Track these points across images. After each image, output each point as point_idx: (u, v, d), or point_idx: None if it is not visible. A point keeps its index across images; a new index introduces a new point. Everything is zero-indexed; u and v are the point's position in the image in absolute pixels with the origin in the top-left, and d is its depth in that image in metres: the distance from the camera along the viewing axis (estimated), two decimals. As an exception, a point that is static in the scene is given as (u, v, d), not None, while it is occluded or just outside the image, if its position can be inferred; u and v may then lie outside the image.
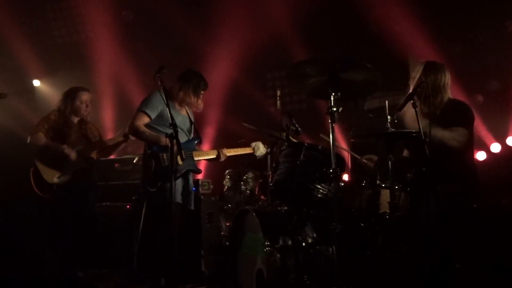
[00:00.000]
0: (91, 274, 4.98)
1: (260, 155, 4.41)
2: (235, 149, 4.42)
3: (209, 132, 7.13)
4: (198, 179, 5.19)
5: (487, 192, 4.83)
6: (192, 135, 4.31)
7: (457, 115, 3.54)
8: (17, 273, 4.72)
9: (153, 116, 4.02)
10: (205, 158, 4.32)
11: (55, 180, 4.59)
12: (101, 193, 5.38)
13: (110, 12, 7.23)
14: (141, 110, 4.03)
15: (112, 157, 6.87)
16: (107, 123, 7.41)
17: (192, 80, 4.18)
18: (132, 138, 4.60)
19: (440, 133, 3.43)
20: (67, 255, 4.61)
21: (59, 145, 4.61)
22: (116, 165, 6.18)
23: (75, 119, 4.82)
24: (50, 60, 7.42)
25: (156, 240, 3.82)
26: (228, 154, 4.32)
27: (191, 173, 4.20)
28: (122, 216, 5.52)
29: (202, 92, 4.24)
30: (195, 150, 4.19)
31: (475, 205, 3.85)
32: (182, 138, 3.98)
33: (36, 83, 7.56)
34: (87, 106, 4.81)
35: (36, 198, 4.72)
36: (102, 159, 6.28)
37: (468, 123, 3.57)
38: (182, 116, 4.21)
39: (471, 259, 3.91)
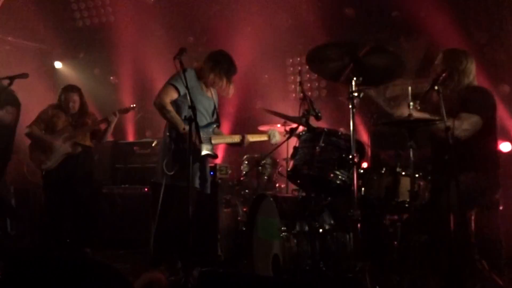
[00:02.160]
0: (107, 255, 5.06)
1: (275, 142, 4.33)
2: (253, 135, 4.35)
3: (228, 118, 7.11)
4: (216, 164, 5.20)
5: (510, 185, 4.72)
6: (213, 119, 4.22)
7: (469, 102, 3.40)
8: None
9: (181, 91, 3.85)
10: (226, 142, 4.26)
11: (43, 166, 5.06)
12: (107, 175, 6.02)
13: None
14: (171, 83, 3.88)
15: (131, 140, 6.96)
16: (127, 105, 7.43)
17: (224, 63, 4.02)
18: (114, 120, 5.18)
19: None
20: (66, 234, 5.07)
21: (46, 135, 5.10)
22: (135, 148, 6.24)
23: (66, 111, 5.19)
24: (71, 43, 7.47)
25: (173, 223, 3.83)
26: (251, 140, 4.23)
27: (208, 158, 4.16)
28: (140, 198, 5.58)
29: (233, 75, 4.12)
30: (214, 134, 4.13)
31: (497, 196, 3.75)
32: (202, 121, 3.90)
33: (58, 65, 7.63)
34: (74, 103, 5.19)
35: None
36: (120, 142, 6.40)
37: (482, 110, 3.41)
38: (207, 98, 4.11)
39: (491, 251, 3.83)
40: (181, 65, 3.51)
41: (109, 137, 7.06)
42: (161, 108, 3.87)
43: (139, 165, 6.07)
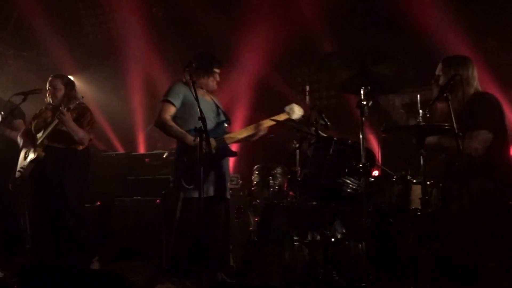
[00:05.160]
0: (121, 266, 5.07)
1: (297, 117, 4.04)
2: (268, 120, 4.05)
3: (238, 127, 7.15)
4: (226, 174, 5.22)
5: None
6: (221, 119, 4.11)
7: (475, 116, 3.32)
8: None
9: (177, 103, 3.88)
10: (242, 137, 4.07)
11: (17, 174, 4.40)
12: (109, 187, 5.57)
13: (140, 9, 7.33)
14: (164, 99, 3.90)
15: (142, 152, 7.01)
16: (137, 118, 7.53)
17: (200, 61, 3.99)
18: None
19: (448, 143, 3.24)
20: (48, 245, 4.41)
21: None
22: (146, 160, 6.28)
23: (51, 106, 4.49)
24: (82, 57, 7.58)
25: (188, 234, 3.84)
26: (266, 125, 4.02)
27: (227, 162, 4.05)
28: (152, 210, 5.60)
29: (216, 70, 4.04)
30: (226, 133, 4.04)
31: (511, 203, 3.71)
32: (209, 125, 3.76)
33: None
34: (53, 89, 4.46)
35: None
36: (132, 154, 6.42)
37: (489, 122, 3.34)
38: (207, 102, 4.03)
39: (507, 258, 3.79)
40: (191, 76, 3.55)
41: (120, 149, 7.18)
42: (163, 126, 3.87)
43: (150, 177, 6.08)
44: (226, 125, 4.11)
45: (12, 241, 5.04)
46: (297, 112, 4.04)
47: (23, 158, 4.39)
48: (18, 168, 4.37)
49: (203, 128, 3.29)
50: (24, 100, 4.33)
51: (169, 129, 3.85)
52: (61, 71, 7.38)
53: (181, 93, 3.88)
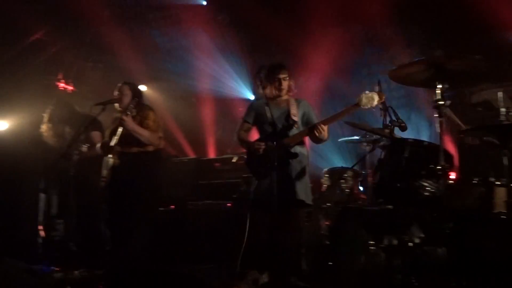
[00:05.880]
0: (194, 270, 5.19)
1: (371, 106, 3.74)
2: (334, 116, 3.97)
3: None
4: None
5: None
6: (286, 123, 4.15)
7: None
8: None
9: (250, 120, 4.26)
10: (298, 139, 4.07)
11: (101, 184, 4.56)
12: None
13: (207, 17, 7.50)
14: (242, 118, 4.34)
15: (212, 156, 7.15)
16: (207, 124, 7.70)
17: (261, 73, 4.22)
18: None
19: None
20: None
21: None
22: (216, 164, 6.40)
23: (119, 112, 4.65)
24: (154, 66, 7.87)
25: (261, 237, 3.89)
26: (326, 125, 3.92)
27: (291, 160, 4.04)
28: (224, 213, 5.69)
29: (280, 76, 4.14)
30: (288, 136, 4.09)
31: None
32: (275, 132, 4.06)
33: (143, 88, 8.06)
34: (120, 95, 4.66)
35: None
36: (202, 158, 6.56)
37: None
38: (278, 110, 4.15)
39: None
40: (261, 82, 3.62)
41: (191, 155, 7.36)
42: (239, 141, 4.29)
43: (221, 181, 6.20)
44: (293, 128, 4.10)
45: (94, 244, 5.31)
46: (364, 100, 3.75)
47: (104, 167, 4.56)
48: (102, 177, 4.53)
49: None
50: (103, 110, 4.50)
51: (241, 143, 4.28)
52: (134, 80, 7.74)
53: (253, 110, 4.28)
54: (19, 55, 6.26)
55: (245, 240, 4.05)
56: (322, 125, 3.87)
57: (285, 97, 4.21)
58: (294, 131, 4.09)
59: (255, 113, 4.25)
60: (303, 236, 4.89)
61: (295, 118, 4.10)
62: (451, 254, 2.97)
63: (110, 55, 7.45)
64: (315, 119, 4.17)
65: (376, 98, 3.71)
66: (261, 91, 4.19)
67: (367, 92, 3.77)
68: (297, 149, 4.03)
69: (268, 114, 4.10)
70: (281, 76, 4.15)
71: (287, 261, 4.04)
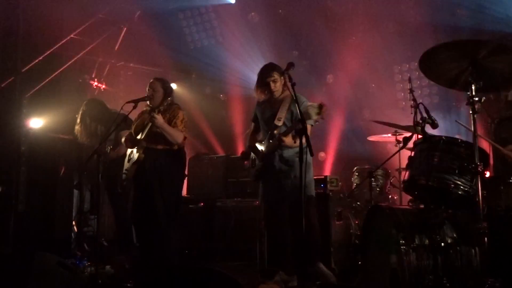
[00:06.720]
0: (223, 267, 5.23)
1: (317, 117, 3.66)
2: (289, 128, 4.09)
3: (335, 129, 7.06)
4: (326, 176, 5.20)
5: None
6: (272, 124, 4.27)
7: None
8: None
9: (255, 121, 4.61)
10: (277, 146, 4.18)
11: (123, 176, 4.66)
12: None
13: (238, 15, 7.52)
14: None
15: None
16: (236, 122, 7.73)
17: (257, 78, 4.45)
18: None
19: None
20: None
21: None
22: (245, 162, 6.40)
23: (149, 108, 4.67)
24: (185, 65, 7.95)
25: (287, 235, 3.90)
26: (285, 137, 4.06)
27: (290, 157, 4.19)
28: (252, 211, 5.71)
29: (267, 80, 4.28)
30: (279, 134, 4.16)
31: None
32: (265, 134, 4.40)
33: (173, 86, 8.14)
34: (152, 91, 4.65)
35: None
36: (232, 156, 6.60)
37: None
38: (269, 111, 4.38)
39: None
40: (290, 79, 3.59)
41: (221, 152, 7.40)
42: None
43: (249, 179, 6.20)
44: (277, 128, 4.21)
45: (121, 240, 5.39)
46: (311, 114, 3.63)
47: (127, 161, 4.63)
48: (124, 170, 4.61)
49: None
50: (134, 107, 4.57)
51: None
52: (167, 79, 7.84)
53: (256, 111, 4.61)
54: (55, 54, 6.41)
55: (265, 239, 4.11)
56: (282, 137, 4.05)
57: (284, 94, 4.32)
58: (277, 128, 4.21)
59: (256, 114, 4.59)
60: (332, 235, 4.87)
61: (278, 123, 4.23)
62: (484, 255, 2.88)
63: (141, 55, 7.56)
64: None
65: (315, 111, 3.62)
66: (257, 95, 4.45)
67: (310, 103, 3.79)
68: (289, 152, 4.17)
69: (261, 116, 4.47)
70: (269, 79, 4.28)
71: (312, 251, 4.14)
